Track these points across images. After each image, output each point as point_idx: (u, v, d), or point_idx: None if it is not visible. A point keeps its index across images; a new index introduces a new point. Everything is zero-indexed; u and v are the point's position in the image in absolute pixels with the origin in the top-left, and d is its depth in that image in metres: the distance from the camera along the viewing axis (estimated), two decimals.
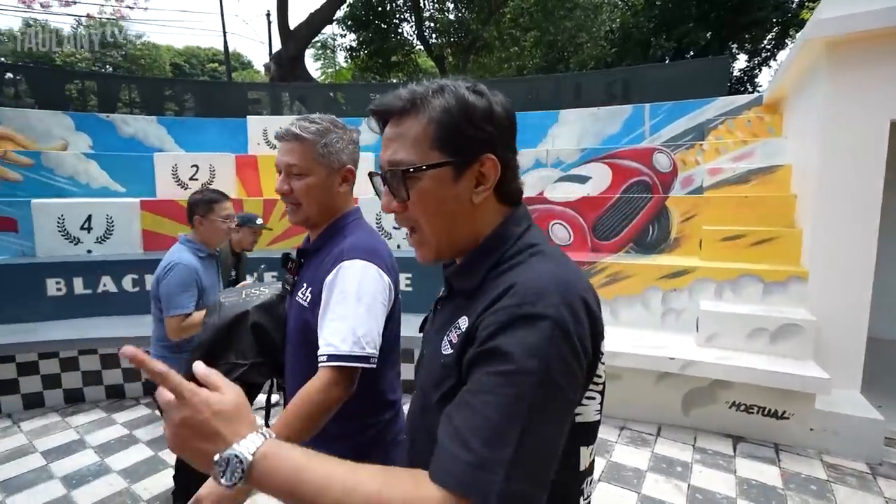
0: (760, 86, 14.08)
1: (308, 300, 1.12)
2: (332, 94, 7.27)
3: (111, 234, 4.30)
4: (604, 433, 2.93)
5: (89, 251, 4.24)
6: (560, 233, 4.11)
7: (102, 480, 2.52)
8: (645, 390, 3.04)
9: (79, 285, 3.80)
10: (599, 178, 4.49)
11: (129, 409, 3.35)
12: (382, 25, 13.36)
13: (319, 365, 1.00)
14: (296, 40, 10.29)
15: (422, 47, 14.75)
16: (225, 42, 14.76)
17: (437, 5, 13.84)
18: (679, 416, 3.00)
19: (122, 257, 4.08)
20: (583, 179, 4.55)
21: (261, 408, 2.61)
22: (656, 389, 3.02)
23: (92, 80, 6.74)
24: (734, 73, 13.90)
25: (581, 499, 0.68)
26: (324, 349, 1.01)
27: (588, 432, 0.66)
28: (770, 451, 2.72)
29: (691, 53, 12.54)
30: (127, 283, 3.89)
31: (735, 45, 13.30)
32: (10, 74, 5.79)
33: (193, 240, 2.09)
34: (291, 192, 1.14)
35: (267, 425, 1.24)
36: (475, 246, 0.67)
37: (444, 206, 0.65)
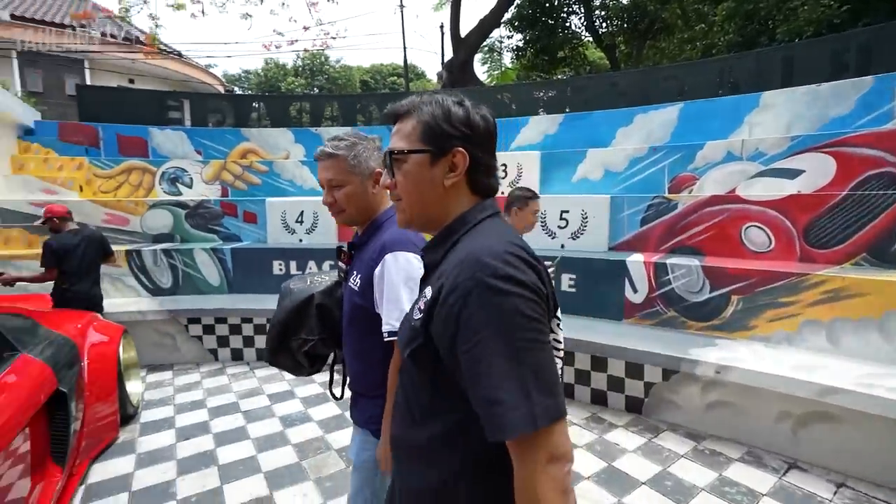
0: None
1: (358, 285, 1.31)
2: (498, 95, 7.35)
3: (316, 227, 5.24)
4: (812, 486, 2.38)
5: (300, 240, 5.24)
6: (757, 237, 3.46)
7: (305, 426, 3.10)
8: (877, 443, 2.36)
9: (293, 267, 4.73)
10: (817, 172, 3.62)
11: (325, 372, 4.02)
12: (549, 22, 13.13)
13: (385, 341, 1.21)
14: (466, 47, 10.86)
15: (590, 38, 14.04)
16: (405, 57, 16.54)
17: None
18: None
19: (322, 246, 4.93)
20: (792, 174, 3.74)
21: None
22: None
23: (306, 101, 8.26)
24: None
25: None
26: (384, 328, 1.21)
27: None
28: None
29: None
30: (325, 268, 4.68)
31: None
32: (254, 104, 7.50)
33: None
34: (335, 203, 1.34)
35: (331, 389, 1.58)
36: (444, 225, 0.84)
37: (421, 184, 0.82)
